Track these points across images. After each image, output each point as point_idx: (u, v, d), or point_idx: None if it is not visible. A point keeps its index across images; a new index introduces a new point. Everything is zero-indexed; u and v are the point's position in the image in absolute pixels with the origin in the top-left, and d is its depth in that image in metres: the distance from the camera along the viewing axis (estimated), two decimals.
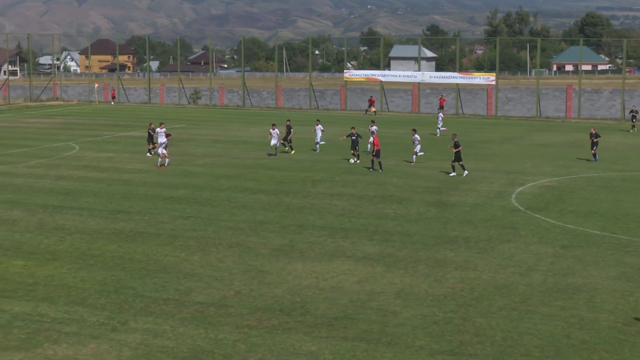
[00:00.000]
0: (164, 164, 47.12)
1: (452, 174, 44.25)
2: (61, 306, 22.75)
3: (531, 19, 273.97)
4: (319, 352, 19.36)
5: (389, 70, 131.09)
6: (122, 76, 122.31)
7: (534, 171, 46.67)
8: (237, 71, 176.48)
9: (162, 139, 48.01)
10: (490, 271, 26.08)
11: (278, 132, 51.44)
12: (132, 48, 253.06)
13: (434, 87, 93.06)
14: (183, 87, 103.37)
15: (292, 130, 53.98)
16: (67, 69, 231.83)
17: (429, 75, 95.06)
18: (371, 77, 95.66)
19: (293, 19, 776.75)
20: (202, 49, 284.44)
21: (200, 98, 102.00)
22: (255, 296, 23.56)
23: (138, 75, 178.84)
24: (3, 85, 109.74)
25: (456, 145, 44.16)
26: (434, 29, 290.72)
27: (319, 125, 54.45)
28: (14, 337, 20.39)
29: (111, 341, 20.12)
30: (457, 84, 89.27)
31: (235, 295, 23.67)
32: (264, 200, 37.90)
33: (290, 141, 53.91)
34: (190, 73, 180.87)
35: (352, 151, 48.65)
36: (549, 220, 33.80)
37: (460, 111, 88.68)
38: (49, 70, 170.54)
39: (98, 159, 50.44)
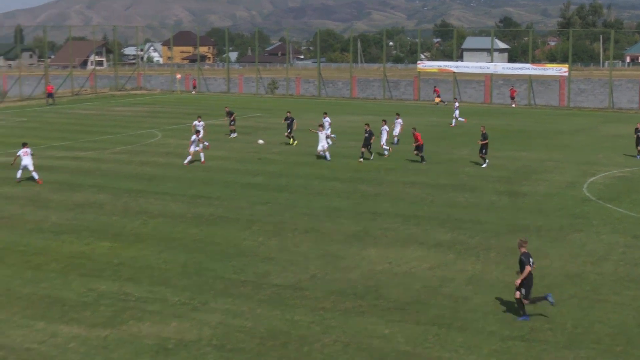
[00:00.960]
0: (199, 159, 44.76)
1: (484, 165, 43.53)
2: (145, 286, 23.18)
3: (604, 10, 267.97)
4: (391, 336, 19.38)
5: (462, 61, 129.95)
6: (202, 67, 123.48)
7: (606, 162, 45.83)
8: (313, 62, 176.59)
9: (196, 135, 45.02)
10: (562, 260, 25.76)
11: (387, 129, 48.73)
12: (212, 40, 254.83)
13: (506, 79, 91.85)
14: (261, 77, 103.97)
15: (295, 122, 52.97)
16: (150, 59, 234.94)
17: (502, 67, 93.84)
18: (444, 68, 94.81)
19: (368, 11, 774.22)
20: (279, 41, 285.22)
21: (277, 88, 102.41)
22: (330, 280, 23.67)
23: (218, 66, 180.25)
24: (90, 75, 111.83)
25: (484, 138, 43.51)
26: (507, 21, 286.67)
27: (399, 119, 52.88)
28: (101, 315, 20.86)
29: (192, 320, 20.44)
30: (530, 75, 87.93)
31: (311, 279, 23.81)
32: (338, 187, 37.98)
33: (291, 132, 52.73)
34: (267, 64, 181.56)
35: (363, 148, 45.60)
36: (620, 210, 33.20)
37: (532, 102, 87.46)
38: (133, 61, 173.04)
39: (179, 146, 51.04)
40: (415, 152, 44.48)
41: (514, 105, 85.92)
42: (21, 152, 39.07)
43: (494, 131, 56.68)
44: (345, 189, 37.63)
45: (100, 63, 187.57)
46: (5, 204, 34.37)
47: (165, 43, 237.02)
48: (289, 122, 52.88)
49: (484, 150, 43.59)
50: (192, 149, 44.32)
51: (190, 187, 38.09)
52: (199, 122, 50.72)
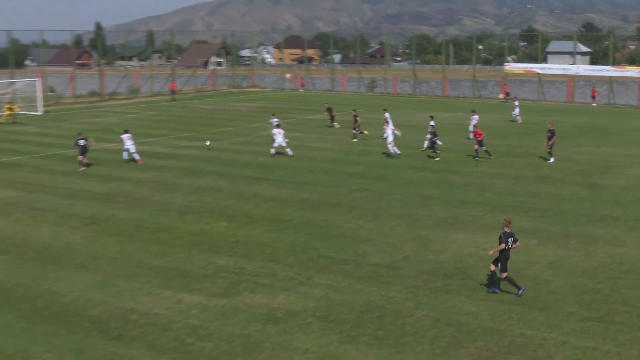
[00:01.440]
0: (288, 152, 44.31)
1: (551, 160, 42.32)
2: (257, 262, 23.49)
3: None
4: (477, 312, 19.18)
5: (546, 63, 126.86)
6: (309, 67, 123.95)
7: None
8: (408, 63, 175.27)
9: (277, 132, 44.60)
10: (638, 248, 24.98)
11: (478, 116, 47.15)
12: (319, 43, 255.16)
13: (588, 80, 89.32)
14: (361, 77, 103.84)
15: (358, 118, 51.84)
16: (263, 60, 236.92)
17: (584, 69, 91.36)
18: (529, 69, 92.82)
19: (459, 17, 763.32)
20: (378, 44, 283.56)
21: (376, 87, 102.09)
22: (422, 261, 23.55)
23: (323, 67, 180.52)
24: (211, 74, 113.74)
25: (552, 134, 42.27)
26: (588, 26, 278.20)
27: (475, 115, 52.27)
28: (219, 286, 21.25)
29: (298, 294, 20.63)
30: (610, 77, 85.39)
31: (405, 259, 23.74)
32: (430, 177, 37.69)
33: (357, 128, 51.51)
34: (367, 65, 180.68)
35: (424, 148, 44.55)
36: None
37: (612, 101, 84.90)
38: (248, 62, 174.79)
39: (289, 138, 51.43)
40: (476, 147, 43.55)
41: (594, 105, 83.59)
42: (124, 136, 41.83)
43: (576, 128, 55.29)
44: (436, 178, 37.31)
45: (219, 64, 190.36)
46: (137, 187, 35.31)
47: (277, 46, 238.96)
48: (356, 118, 51.83)
49: (550, 146, 42.53)
50: (278, 142, 44.22)
51: (297, 175, 38.37)
52: (274, 118, 51.22)
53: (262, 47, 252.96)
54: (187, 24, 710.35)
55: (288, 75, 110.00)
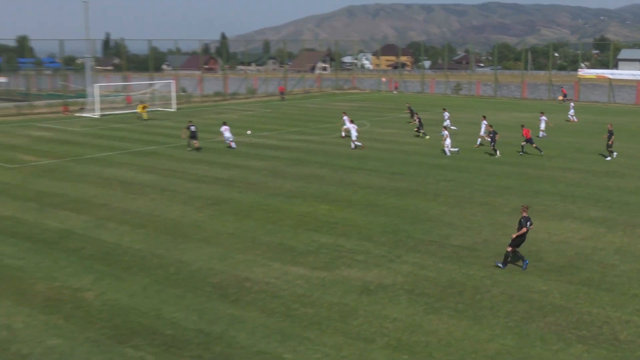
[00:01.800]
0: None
1: (608, 158, 40.41)
2: (354, 240, 23.50)
3: None
4: (548, 292, 18.66)
5: (617, 69, 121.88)
6: (402, 72, 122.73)
7: None
8: (490, 69, 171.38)
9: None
10: None
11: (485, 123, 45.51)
12: (411, 50, 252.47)
13: None
14: (448, 81, 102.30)
15: (415, 115, 50.72)
16: (362, 66, 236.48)
17: None
18: (601, 75, 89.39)
19: (538, 28, 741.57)
20: (464, 52, 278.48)
21: (461, 89, 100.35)
22: (499, 244, 23.05)
23: (414, 72, 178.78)
24: (317, 77, 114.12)
25: (611, 134, 40.42)
26: None
27: (543, 117, 50.62)
28: (320, 261, 21.36)
29: (389, 269, 20.54)
30: None
31: (483, 242, 23.30)
32: (508, 170, 36.81)
33: (421, 127, 49.92)
34: (454, 70, 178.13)
35: (493, 149, 41.98)
36: None
37: None
38: (349, 67, 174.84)
39: (383, 134, 51.24)
40: (523, 143, 41.92)
41: None
42: (222, 128, 44.86)
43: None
44: (514, 171, 36.41)
45: (325, 69, 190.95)
46: (253, 173, 35.83)
47: (375, 53, 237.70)
48: (418, 119, 50.64)
49: (610, 145, 40.73)
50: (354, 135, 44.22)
51: (390, 165, 38.15)
52: (345, 117, 50.78)
53: (361, 54, 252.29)
54: (298, 34, 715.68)
55: (384, 79, 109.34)
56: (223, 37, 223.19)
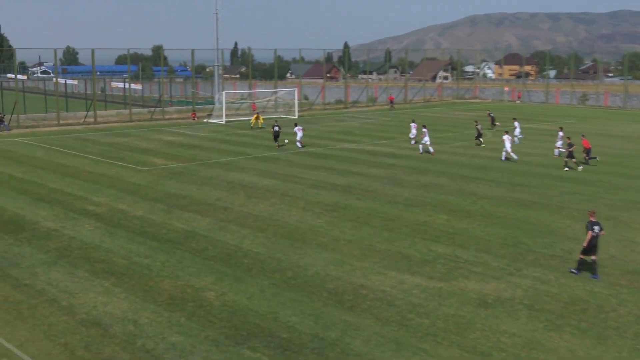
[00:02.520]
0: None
1: None
2: (472, 252, 22.89)
3: None
4: None
5: None
6: (526, 81, 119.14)
7: None
8: (620, 79, 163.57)
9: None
10: None
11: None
12: (535, 60, 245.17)
13: None
14: (574, 91, 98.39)
15: (478, 127, 50.06)
16: (484, 75, 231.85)
17: None
18: None
19: None
20: (592, 61, 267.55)
21: (587, 100, 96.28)
22: (627, 261, 21.78)
23: (538, 81, 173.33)
24: (438, 86, 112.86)
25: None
26: None
27: None
28: (437, 271, 20.92)
29: (508, 282, 19.84)
30: None
31: (610, 259, 22.07)
32: (639, 185, 34.82)
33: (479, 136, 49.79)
34: (580, 80, 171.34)
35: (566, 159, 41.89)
36: None
37: None
38: (471, 76, 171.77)
39: (502, 143, 49.81)
40: (585, 156, 40.59)
41: None
42: (296, 129, 47.93)
43: None
44: None
45: (446, 78, 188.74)
46: (372, 181, 35.71)
47: (497, 62, 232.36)
48: (478, 127, 50.08)
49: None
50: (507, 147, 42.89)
51: (511, 176, 37.01)
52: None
53: (484, 63, 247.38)
54: (420, 43, 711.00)
55: (506, 88, 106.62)
56: (345, 46, 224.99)
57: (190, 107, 78.30)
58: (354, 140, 51.17)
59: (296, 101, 76.21)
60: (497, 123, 60.55)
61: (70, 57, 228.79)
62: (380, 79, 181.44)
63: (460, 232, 25.37)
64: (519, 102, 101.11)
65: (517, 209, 29.16)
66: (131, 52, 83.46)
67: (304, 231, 25.46)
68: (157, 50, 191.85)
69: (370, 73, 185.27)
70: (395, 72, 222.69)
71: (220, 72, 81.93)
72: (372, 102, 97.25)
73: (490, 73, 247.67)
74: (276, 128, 47.82)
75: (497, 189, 33.38)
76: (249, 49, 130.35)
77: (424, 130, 46.49)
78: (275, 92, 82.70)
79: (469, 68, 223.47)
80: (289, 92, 79.98)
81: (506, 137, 43.15)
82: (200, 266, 21.33)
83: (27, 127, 63.06)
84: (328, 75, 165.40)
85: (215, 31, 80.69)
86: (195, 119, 71.13)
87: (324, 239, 24.34)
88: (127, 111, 73.67)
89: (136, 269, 21.04)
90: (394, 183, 35.07)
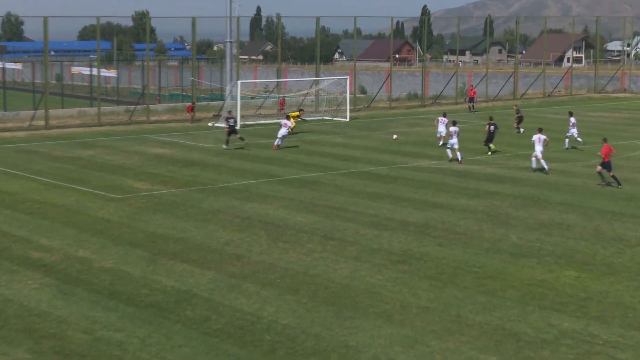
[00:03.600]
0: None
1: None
2: (615, 328, 22.54)
3: None
4: None
5: None
6: None
7: None
8: None
9: None
10: None
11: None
12: None
13: None
14: None
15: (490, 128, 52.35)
16: (638, 56, 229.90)
17: None
18: None
19: None
20: None
21: None
22: None
23: None
24: (565, 73, 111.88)
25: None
26: None
27: None
28: (561, 357, 20.63)
29: None
30: None
31: None
32: None
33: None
34: None
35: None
36: None
37: None
38: (617, 58, 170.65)
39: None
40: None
41: None
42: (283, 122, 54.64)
43: None
44: None
45: (578, 60, 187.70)
46: (460, 217, 35.51)
47: None
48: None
49: None
50: None
51: None
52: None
53: (637, 37, 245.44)
54: (538, 7, 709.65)
55: None
56: (424, 12, 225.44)
57: (189, 103, 79.02)
58: (434, 155, 50.92)
59: (347, 95, 76.41)
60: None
61: (11, 30, 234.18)
62: (476, 62, 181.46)
63: (598, 297, 25.08)
64: None
65: None
66: (102, 21, 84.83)
67: (357, 293, 25.43)
68: (141, 19, 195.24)
69: (462, 53, 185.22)
70: (500, 51, 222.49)
71: (235, 51, 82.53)
72: (464, 97, 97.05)
73: None
74: (231, 122, 54.41)
75: None
76: (279, 16, 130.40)
77: (453, 128, 48.82)
78: (317, 83, 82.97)
79: (615, 45, 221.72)
80: (336, 82, 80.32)
81: (536, 138, 46.07)
82: (200, 346, 21.39)
83: None
84: (397, 56, 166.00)
85: None
86: (192, 117, 71.36)
87: (388, 306, 24.27)
88: (94, 110, 74.79)
89: (103, 349, 21.17)
90: (495, 220, 34.92)
